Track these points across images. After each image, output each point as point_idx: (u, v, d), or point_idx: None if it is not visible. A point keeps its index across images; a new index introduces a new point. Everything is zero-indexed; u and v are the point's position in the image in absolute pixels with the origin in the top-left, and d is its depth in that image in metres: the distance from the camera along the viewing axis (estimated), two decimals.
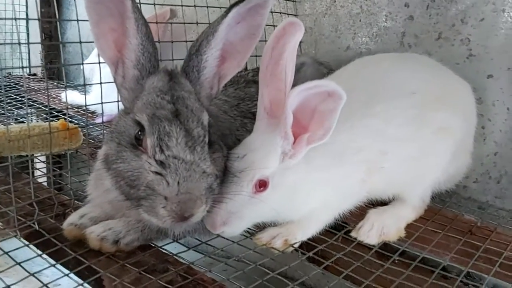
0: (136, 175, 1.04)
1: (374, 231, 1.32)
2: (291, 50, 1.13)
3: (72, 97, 2.50)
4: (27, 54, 1.48)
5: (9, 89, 2.82)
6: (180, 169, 1.00)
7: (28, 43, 1.43)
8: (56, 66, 3.07)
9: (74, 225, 1.19)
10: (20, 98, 2.51)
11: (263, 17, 1.21)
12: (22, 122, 2.16)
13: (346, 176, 1.26)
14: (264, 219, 1.24)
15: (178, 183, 0.99)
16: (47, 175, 1.90)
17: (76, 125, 1.86)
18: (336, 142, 1.19)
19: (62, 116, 2.11)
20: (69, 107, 2.50)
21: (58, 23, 1.79)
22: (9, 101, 2.51)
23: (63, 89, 2.74)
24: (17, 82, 2.97)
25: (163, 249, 1.20)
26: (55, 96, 2.76)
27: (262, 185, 1.14)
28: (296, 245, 1.25)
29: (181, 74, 1.19)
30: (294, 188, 1.18)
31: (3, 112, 2.12)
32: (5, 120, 1.96)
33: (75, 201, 1.41)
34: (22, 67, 1.43)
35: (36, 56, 3.09)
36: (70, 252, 1.12)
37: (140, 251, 1.17)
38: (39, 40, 2.72)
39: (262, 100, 1.20)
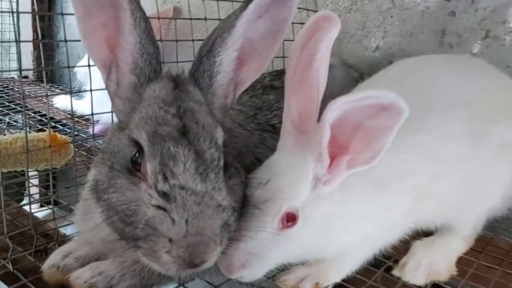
0: (133, 209, 0.83)
1: (421, 269, 1.11)
2: (325, 50, 0.93)
3: (65, 102, 2.29)
4: (17, 54, 1.28)
5: None
6: (189, 203, 0.80)
7: (18, 41, 1.22)
8: (40, 69, 2.84)
9: (57, 267, 0.99)
10: (8, 104, 2.31)
11: (291, 10, 1.00)
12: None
13: (391, 205, 1.04)
14: (291, 259, 1.03)
15: (187, 221, 0.79)
16: (24, 199, 1.66)
17: (65, 136, 1.63)
18: (382, 165, 0.96)
19: (54, 124, 1.90)
20: (61, 114, 2.29)
21: (37, 17, 1.61)
22: None
23: (56, 94, 2.54)
24: (6, 85, 2.77)
25: None
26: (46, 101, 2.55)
27: (290, 219, 0.92)
28: None
29: (189, 81, 0.99)
30: (329, 222, 0.96)
31: None
32: None
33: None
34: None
35: (28, 57, 2.89)
36: None
37: None
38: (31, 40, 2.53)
39: (289, 111, 0.99)
